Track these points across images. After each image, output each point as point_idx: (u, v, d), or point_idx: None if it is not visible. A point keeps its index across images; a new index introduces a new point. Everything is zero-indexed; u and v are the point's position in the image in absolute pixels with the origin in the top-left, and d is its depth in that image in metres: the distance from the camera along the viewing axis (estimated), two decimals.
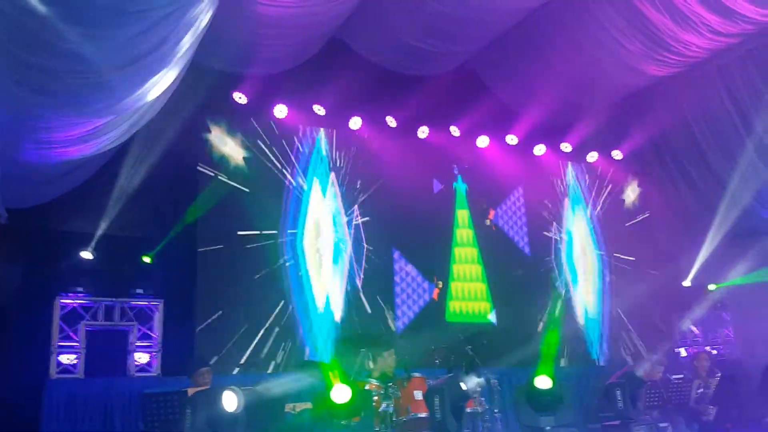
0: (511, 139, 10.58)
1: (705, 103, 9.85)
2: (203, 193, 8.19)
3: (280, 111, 8.94)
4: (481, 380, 6.57)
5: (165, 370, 7.45)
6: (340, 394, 4.93)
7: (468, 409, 6.36)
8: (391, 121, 9.71)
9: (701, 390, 7.86)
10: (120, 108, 5.40)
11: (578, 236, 10.99)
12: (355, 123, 9.47)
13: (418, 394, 6.17)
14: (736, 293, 10.68)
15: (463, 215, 10.16)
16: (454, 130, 10.17)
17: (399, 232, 9.45)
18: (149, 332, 7.60)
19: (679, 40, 8.67)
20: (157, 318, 7.65)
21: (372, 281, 9.09)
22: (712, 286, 11.05)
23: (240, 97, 8.69)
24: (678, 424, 7.44)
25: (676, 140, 10.44)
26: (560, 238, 10.82)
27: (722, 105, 9.70)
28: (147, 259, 7.68)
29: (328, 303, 8.75)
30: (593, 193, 11.36)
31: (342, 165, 9.38)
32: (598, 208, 11.34)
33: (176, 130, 7.42)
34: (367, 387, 6.03)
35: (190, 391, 5.55)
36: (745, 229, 10.41)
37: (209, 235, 8.19)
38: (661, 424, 7.24)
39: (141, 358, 7.49)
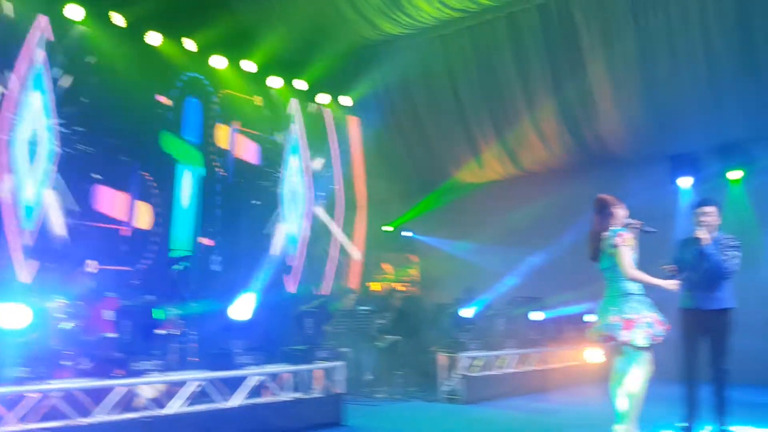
0: (248, 65, 10.41)
1: (425, 68, 10.83)
2: None
3: None
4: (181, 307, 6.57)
5: None
6: (18, 317, 4.50)
7: (163, 332, 6.32)
8: (117, 18, 8.80)
9: (383, 321, 8.93)
10: None
11: (293, 173, 11.23)
12: (74, 12, 8.36)
13: (109, 314, 5.94)
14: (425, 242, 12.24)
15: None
16: (189, 44, 9.64)
17: (110, 144, 8.69)
18: None
19: (412, 4, 9.33)
20: None
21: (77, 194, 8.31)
22: (407, 233, 12.50)
23: None
24: (359, 350, 8.37)
25: (396, 96, 11.34)
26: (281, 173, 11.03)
27: (439, 72, 10.78)
28: None
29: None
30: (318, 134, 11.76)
31: (54, 57, 8.25)
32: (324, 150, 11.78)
33: None
34: (50, 305, 5.61)
35: None
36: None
37: None
38: (343, 349, 8.07)
39: None
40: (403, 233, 12.46)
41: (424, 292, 12.04)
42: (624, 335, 4.46)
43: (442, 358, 7.81)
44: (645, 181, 9.72)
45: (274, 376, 6.02)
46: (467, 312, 8.58)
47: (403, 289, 11.77)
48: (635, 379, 4.53)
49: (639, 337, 4.46)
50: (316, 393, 6.28)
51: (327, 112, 11.72)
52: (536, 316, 9.61)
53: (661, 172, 10.03)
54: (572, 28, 9.35)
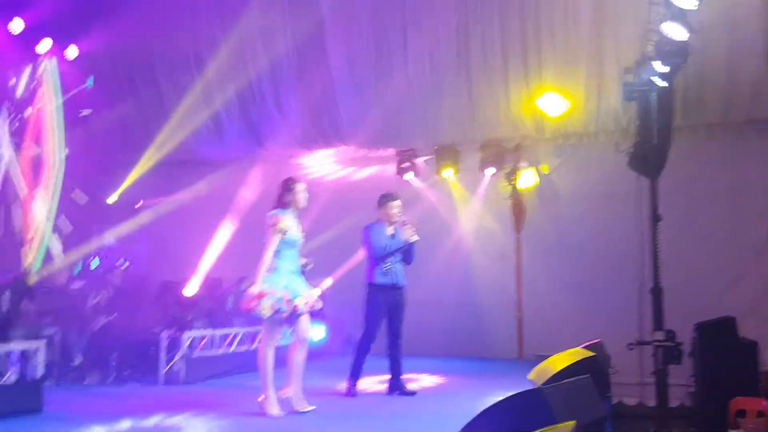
0: None
1: (168, 30, 10.12)
2: None
3: None
4: None
5: None
6: None
7: None
8: None
9: (97, 300, 8.18)
10: None
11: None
12: None
13: None
14: (158, 214, 11.49)
15: None
16: None
17: None
18: None
19: None
20: None
21: None
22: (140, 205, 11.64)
23: None
24: (69, 331, 7.55)
25: (133, 55, 10.44)
26: None
27: (184, 38, 10.16)
28: None
29: None
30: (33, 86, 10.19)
31: None
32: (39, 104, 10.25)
33: None
34: None
35: None
36: (179, 159, 11.34)
37: None
38: (49, 330, 7.21)
39: None
40: (137, 206, 11.59)
41: (152, 269, 11.31)
42: (250, 305, 4.82)
43: (163, 338, 7.42)
44: (374, 172, 10.44)
45: None
46: (192, 289, 8.28)
47: (126, 264, 10.94)
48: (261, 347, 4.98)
49: (266, 307, 4.79)
50: (12, 377, 5.62)
51: (50, 60, 10.24)
52: None
53: (390, 166, 10.91)
54: (317, 11, 9.48)
